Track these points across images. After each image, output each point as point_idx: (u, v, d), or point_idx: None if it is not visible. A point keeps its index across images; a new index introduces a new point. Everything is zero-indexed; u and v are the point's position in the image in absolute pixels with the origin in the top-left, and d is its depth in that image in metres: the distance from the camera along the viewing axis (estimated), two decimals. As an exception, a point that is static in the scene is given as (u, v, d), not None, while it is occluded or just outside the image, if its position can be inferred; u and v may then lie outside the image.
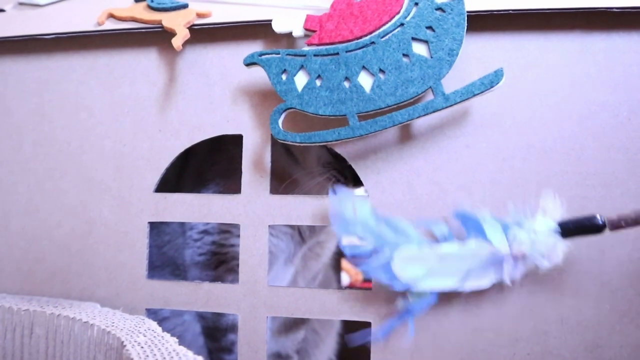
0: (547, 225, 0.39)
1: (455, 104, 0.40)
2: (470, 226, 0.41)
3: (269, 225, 0.46)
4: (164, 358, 0.32)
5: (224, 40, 0.47)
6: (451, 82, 0.41)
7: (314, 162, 0.57)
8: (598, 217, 0.39)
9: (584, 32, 0.43)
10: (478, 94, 0.40)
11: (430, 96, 0.41)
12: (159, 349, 0.34)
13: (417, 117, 0.40)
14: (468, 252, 0.41)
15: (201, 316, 0.61)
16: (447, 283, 0.41)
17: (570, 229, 0.39)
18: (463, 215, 0.42)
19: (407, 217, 0.43)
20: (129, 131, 0.49)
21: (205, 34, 0.47)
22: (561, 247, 0.39)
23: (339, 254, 0.71)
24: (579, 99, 0.43)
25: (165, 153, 0.48)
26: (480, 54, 0.43)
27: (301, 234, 0.61)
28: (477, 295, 0.42)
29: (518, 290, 0.42)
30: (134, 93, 0.49)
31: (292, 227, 0.60)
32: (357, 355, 0.51)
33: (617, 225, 0.38)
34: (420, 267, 0.41)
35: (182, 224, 0.62)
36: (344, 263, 0.81)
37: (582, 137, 0.42)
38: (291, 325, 0.64)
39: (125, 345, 0.35)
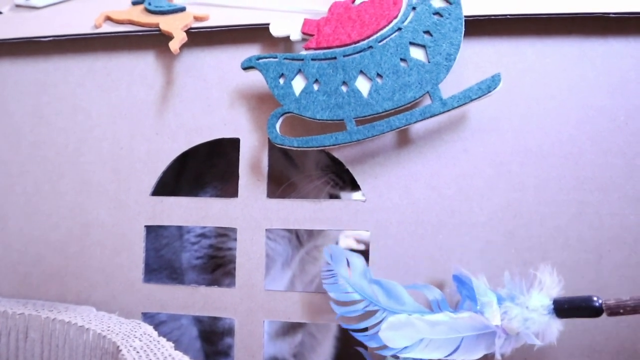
0: (542, 302, 0.38)
1: (452, 108, 0.40)
2: (465, 293, 0.40)
3: (266, 229, 0.45)
4: (160, 363, 0.32)
5: (221, 43, 0.47)
6: (449, 87, 0.41)
7: (312, 165, 0.57)
8: (595, 299, 0.37)
9: (582, 37, 0.43)
10: (475, 98, 0.40)
11: (427, 101, 0.41)
12: (155, 353, 0.34)
13: (414, 122, 0.40)
14: (460, 324, 0.39)
15: (198, 320, 0.61)
16: (435, 354, 0.39)
17: (565, 308, 0.38)
18: (459, 280, 0.41)
19: (404, 221, 0.43)
20: (127, 134, 0.49)
21: (203, 37, 0.47)
22: (555, 326, 0.38)
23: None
24: (576, 104, 0.43)
25: (162, 156, 0.48)
26: (477, 58, 0.43)
27: (299, 238, 0.61)
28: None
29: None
30: (132, 96, 0.49)
31: (289, 230, 0.60)
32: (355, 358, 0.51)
33: (615, 311, 0.36)
34: (409, 336, 0.40)
35: (179, 227, 0.61)
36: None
37: (579, 142, 0.42)
38: (288, 328, 0.64)
39: (120, 350, 0.35)
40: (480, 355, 0.39)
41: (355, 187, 0.55)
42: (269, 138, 0.45)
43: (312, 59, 0.42)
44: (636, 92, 0.42)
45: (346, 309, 0.42)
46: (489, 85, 0.40)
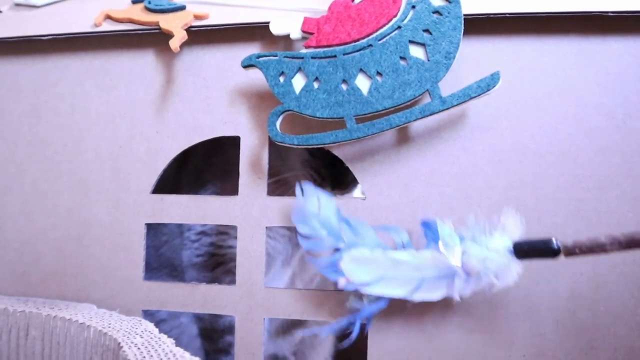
0: (502, 244, 0.38)
1: (452, 106, 0.40)
2: (430, 236, 0.41)
3: (266, 227, 0.46)
4: (161, 359, 0.32)
5: (221, 42, 0.47)
6: (448, 85, 0.41)
7: (297, 161, 0.57)
8: (554, 241, 0.37)
9: (580, 35, 0.43)
10: (475, 97, 0.40)
11: (427, 99, 0.41)
12: (156, 350, 0.34)
13: (414, 120, 0.40)
14: (421, 262, 0.40)
15: (198, 318, 0.61)
16: (396, 291, 0.40)
17: (524, 250, 0.38)
18: (426, 225, 0.41)
19: (403, 219, 0.43)
20: (126, 133, 0.49)
21: (203, 35, 0.47)
22: (514, 268, 0.38)
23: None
24: (574, 102, 0.43)
25: (162, 155, 0.48)
26: (476, 57, 0.43)
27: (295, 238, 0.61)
28: (473, 296, 0.42)
29: (514, 291, 0.42)
30: (131, 95, 0.49)
31: (289, 229, 0.60)
32: (353, 356, 0.51)
33: (571, 251, 0.37)
34: (370, 271, 0.40)
35: (179, 225, 0.62)
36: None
37: (577, 140, 0.43)
38: (288, 326, 0.64)
39: (122, 347, 0.35)
40: (440, 295, 0.40)
41: (335, 183, 0.55)
42: (269, 136, 0.45)
43: (312, 57, 0.42)
44: (634, 90, 0.43)
45: (313, 243, 0.42)
46: (488, 84, 0.40)
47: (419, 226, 0.43)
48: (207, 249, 0.59)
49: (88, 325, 0.41)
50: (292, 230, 0.60)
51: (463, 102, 0.40)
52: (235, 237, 0.47)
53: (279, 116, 0.42)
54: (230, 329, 0.59)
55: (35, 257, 0.51)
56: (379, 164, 0.44)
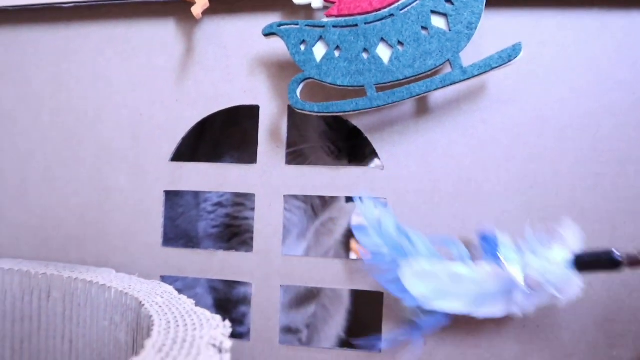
0: (562, 256, 0.38)
1: (472, 77, 0.40)
2: (488, 249, 0.40)
3: (284, 196, 0.46)
4: (182, 316, 0.33)
5: (242, 11, 0.47)
6: (469, 57, 0.41)
7: (314, 133, 0.57)
8: (615, 252, 0.37)
9: (603, 9, 0.43)
10: (496, 67, 0.40)
11: (448, 69, 0.41)
12: (177, 308, 0.35)
13: (434, 90, 0.41)
14: (481, 276, 0.39)
15: (213, 289, 0.62)
16: (456, 305, 0.40)
17: (585, 262, 0.37)
18: (484, 236, 0.41)
19: (421, 189, 0.44)
20: (146, 101, 0.49)
21: (224, 4, 0.47)
22: (576, 281, 0.37)
23: (350, 232, 0.71)
24: (596, 76, 0.43)
25: (181, 123, 0.48)
26: (498, 28, 0.43)
27: (314, 209, 0.61)
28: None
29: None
30: (152, 63, 0.50)
31: (305, 202, 0.60)
32: (366, 331, 0.52)
33: (635, 262, 0.36)
34: (430, 285, 0.40)
35: (195, 197, 0.62)
36: (353, 243, 0.81)
37: (598, 114, 0.42)
38: (302, 300, 0.64)
39: (143, 305, 0.36)
40: (501, 310, 0.39)
41: (351, 156, 0.55)
42: (288, 105, 0.45)
43: (334, 26, 0.42)
44: (657, 66, 0.42)
45: (374, 258, 0.42)
46: (509, 54, 0.40)
47: (437, 198, 0.43)
48: (223, 220, 0.60)
49: (109, 287, 0.42)
50: (308, 203, 0.61)
51: (484, 72, 0.40)
52: (252, 209, 0.47)
53: (299, 84, 0.42)
54: (244, 300, 0.60)
55: (57, 223, 0.51)
56: (398, 134, 0.44)
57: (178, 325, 0.31)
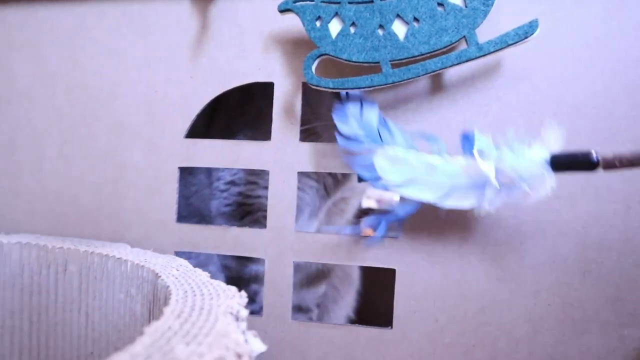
0: (539, 154, 0.37)
1: (488, 53, 0.40)
2: (467, 147, 0.40)
3: (298, 172, 0.46)
4: (199, 287, 0.33)
5: (257, -12, 0.47)
6: (484, 34, 0.41)
7: (326, 111, 0.57)
8: (593, 153, 0.36)
9: (621, -14, 0.42)
10: (512, 44, 0.40)
11: (463, 45, 0.41)
12: (193, 280, 0.35)
13: (449, 66, 0.40)
14: (454, 168, 0.39)
15: (225, 267, 0.62)
16: (427, 195, 0.39)
17: (561, 161, 0.37)
18: (464, 135, 0.41)
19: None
20: (161, 77, 0.50)
21: (239, -19, 0.47)
22: (549, 180, 0.37)
23: (361, 212, 0.72)
24: (612, 55, 0.42)
25: (196, 99, 0.49)
26: (514, 5, 0.43)
27: (326, 189, 0.62)
28: (500, 245, 0.43)
29: (541, 241, 0.42)
30: (166, 40, 0.50)
31: (317, 181, 0.61)
32: (377, 312, 0.52)
33: (611, 164, 0.36)
34: (402, 172, 0.40)
35: (209, 175, 0.63)
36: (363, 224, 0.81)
37: (614, 93, 0.42)
38: (313, 279, 0.65)
39: (160, 276, 0.36)
40: (470, 203, 0.39)
41: None
42: (302, 82, 0.45)
43: (349, 2, 0.42)
44: (674, 44, 0.42)
45: (350, 142, 0.42)
46: (526, 31, 0.40)
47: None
48: (236, 198, 0.60)
49: (125, 260, 0.42)
50: (321, 182, 0.61)
51: (500, 49, 0.40)
52: (264, 187, 0.48)
53: (314, 60, 0.42)
54: (255, 278, 0.60)
55: (72, 199, 0.52)
56: (412, 112, 0.44)
57: (195, 295, 0.31)
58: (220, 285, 0.34)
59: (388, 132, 0.41)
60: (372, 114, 0.42)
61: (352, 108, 0.42)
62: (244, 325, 0.28)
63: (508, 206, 0.39)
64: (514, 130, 0.40)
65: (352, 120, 0.42)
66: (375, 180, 0.41)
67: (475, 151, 0.39)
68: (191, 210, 0.63)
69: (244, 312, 0.29)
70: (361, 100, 0.43)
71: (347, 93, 0.43)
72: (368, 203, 0.79)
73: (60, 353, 0.46)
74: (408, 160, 0.40)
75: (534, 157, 0.37)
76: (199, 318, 0.27)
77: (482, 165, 0.38)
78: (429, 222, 0.44)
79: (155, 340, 0.23)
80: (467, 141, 0.40)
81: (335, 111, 0.43)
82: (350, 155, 0.42)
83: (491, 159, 0.38)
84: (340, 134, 0.42)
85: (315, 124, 0.56)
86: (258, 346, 0.27)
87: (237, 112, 0.61)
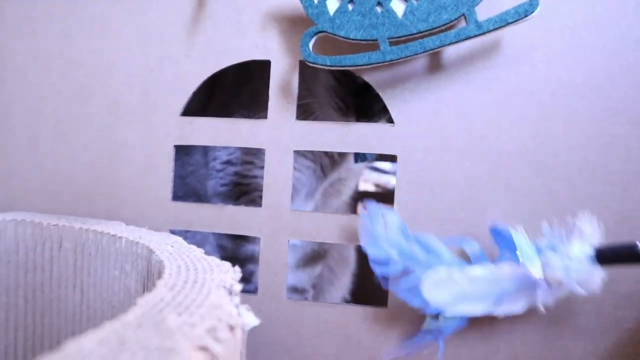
0: (583, 251, 0.37)
1: (488, 31, 0.40)
2: (503, 244, 0.40)
3: (294, 151, 0.46)
4: (193, 262, 0.33)
5: (254, -36, 0.47)
6: (484, 11, 0.41)
7: (322, 89, 0.57)
8: (638, 245, 0.36)
9: (623, -35, 0.42)
10: (512, 22, 0.39)
11: (462, 23, 0.40)
12: (187, 255, 0.35)
13: (448, 44, 0.40)
14: (500, 276, 0.39)
15: (221, 247, 0.62)
16: (478, 308, 0.39)
17: (607, 256, 0.37)
18: (497, 232, 0.40)
19: (431, 146, 0.43)
20: (156, 55, 0.49)
21: (236, -43, 0.47)
22: (598, 275, 0.37)
23: (358, 195, 0.72)
24: (613, 35, 0.42)
25: (192, 78, 0.48)
26: (515, -16, 0.42)
27: (323, 169, 0.61)
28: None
29: (538, 222, 0.42)
30: (162, 17, 0.49)
31: (314, 161, 0.60)
32: (373, 293, 0.52)
33: None
34: (450, 292, 0.39)
35: (205, 155, 0.62)
36: (359, 207, 0.82)
37: (613, 73, 0.42)
38: (308, 260, 0.65)
39: (154, 252, 0.36)
40: (522, 307, 0.39)
41: (361, 111, 0.55)
42: (299, 61, 0.45)
43: (347, -21, 0.41)
44: (676, 25, 0.41)
45: (385, 268, 0.41)
46: (526, 9, 0.39)
47: (447, 156, 0.43)
48: (232, 178, 0.60)
49: (120, 237, 0.42)
50: (317, 162, 0.61)
51: (499, 27, 0.39)
52: (260, 167, 0.47)
53: (312, 37, 0.42)
54: (251, 258, 0.60)
55: (67, 177, 0.52)
56: (410, 91, 0.44)
57: (189, 269, 0.31)
58: (215, 260, 0.34)
59: (422, 248, 0.40)
60: (396, 227, 0.41)
61: (377, 227, 0.41)
62: (237, 299, 0.28)
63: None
64: (548, 223, 0.40)
65: (381, 241, 0.40)
66: (424, 302, 0.40)
67: (519, 255, 0.38)
68: (187, 190, 0.63)
69: (238, 287, 0.29)
70: (382, 214, 0.41)
71: (366, 209, 0.41)
72: (365, 186, 0.79)
73: (55, 330, 0.46)
74: (452, 278, 0.39)
75: (578, 254, 0.37)
76: (192, 290, 0.27)
77: (530, 270, 0.37)
78: (425, 202, 0.44)
79: (147, 310, 0.23)
80: (500, 236, 0.40)
81: (361, 236, 0.42)
82: (390, 281, 0.41)
83: (535, 260, 0.38)
84: (372, 260, 0.41)
85: (309, 100, 0.55)
86: (251, 320, 0.27)
87: (233, 93, 0.61)
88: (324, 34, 0.42)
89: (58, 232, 0.46)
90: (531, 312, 0.42)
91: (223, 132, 0.47)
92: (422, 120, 0.44)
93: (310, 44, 0.42)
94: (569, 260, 0.37)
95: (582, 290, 0.37)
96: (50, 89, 0.52)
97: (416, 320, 0.44)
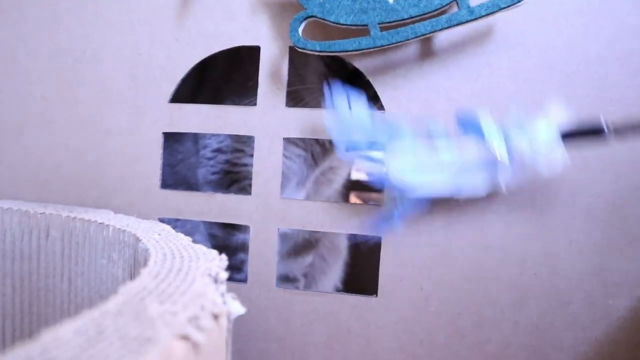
0: (548, 130, 0.37)
1: (480, 17, 0.39)
2: (469, 127, 0.39)
3: (284, 139, 0.45)
4: (179, 250, 0.33)
5: (244, -53, 0.46)
6: (476, -3, 0.40)
7: (313, 75, 0.56)
8: (603, 121, 0.36)
9: (618, -50, 0.41)
10: (504, 7, 0.39)
11: (454, 9, 0.40)
12: (174, 243, 0.35)
13: (439, 30, 0.39)
14: (463, 149, 0.38)
15: (212, 235, 0.62)
16: (439, 179, 0.38)
17: (572, 133, 0.37)
18: (463, 116, 0.40)
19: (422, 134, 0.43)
20: (146, 40, 0.48)
21: (225, -60, 0.46)
22: (562, 154, 0.37)
23: (350, 184, 0.71)
24: (607, 22, 0.41)
25: (181, 63, 0.47)
26: (508, -32, 0.42)
27: (314, 157, 0.61)
28: (487, 213, 0.42)
29: (529, 211, 0.42)
30: (151, 1, 0.48)
31: (305, 149, 0.60)
32: (364, 281, 0.52)
33: (622, 131, 0.36)
34: (412, 162, 0.38)
35: (195, 143, 0.62)
36: (353, 196, 0.81)
37: (607, 62, 0.41)
38: (300, 249, 0.65)
39: (141, 240, 0.36)
40: (483, 187, 0.38)
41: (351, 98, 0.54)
42: (289, 47, 0.44)
43: (338, -38, 0.40)
44: (671, 12, 0.41)
45: (350, 147, 0.41)
46: (519, -6, 0.38)
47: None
48: (223, 166, 0.60)
49: (107, 225, 0.42)
50: (308, 150, 0.60)
51: (492, 12, 0.39)
52: (251, 155, 0.47)
53: (301, 22, 0.41)
54: (242, 247, 0.60)
55: (55, 165, 0.51)
56: (401, 77, 0.43)
57: (174, 258, 0.31)
58: (201, 248, 0.33)
59: (386, 127, 0.40)
60: (361, 110, 0.40)
61: (342, 112, 0.40)
62: (223, 287, 0.28)
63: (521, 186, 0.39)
64: (515, 107, 0.39)
65: (348, 125, 0.40)
66: (388, 181, 0.39)
67: (484, 131, 0.38)
68: (177, 178, 0.62)
69: (223, 275, 0.29)
70: (347, 97, 0.41)
71: (331, 95, 0.41)
72: (357, 175, 0.78)
73: (43, 319, 0.46)
74: (415, 148, 0.39)
75: (543, 133, 0.37)
76: (176, 279, 0.26)
77: (493, 144, 0.37)
78: (416, 190, 0.43)
79: (128, 298, 0.22)
80: (466, 120, 0.39)
81: (328, 123, 0.42)
82: (356, 159, 0.41)
83: (499, 136, 0.37)
84: (340, 148, 0.41)
85: (299, 86, 0.55)
86: (237, 308, 0.27)
87: (224, 79, 0.60)
88: (313, 18, 0.41)
89: (45, 220, 0.46)
90: (522, 300, 0.42)
91: (212, 119, 0.47)
92: (413, 107, 0.43)
93: (300, 29, 0.41)
94: (534, 138, 0.37)
95: (546, 170, 0.37)
96: (38, 75, 0.51)
97: (407, 308, 0.44)
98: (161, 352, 0.18)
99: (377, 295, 0.44)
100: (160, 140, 0.48)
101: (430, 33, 0.39)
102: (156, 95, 0.48)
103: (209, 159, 0.60)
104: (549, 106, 0.38)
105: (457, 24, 0.39)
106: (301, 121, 0.45)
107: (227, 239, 0.60)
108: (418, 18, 0.40)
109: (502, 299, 0.43)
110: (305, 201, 0.46)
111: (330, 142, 0.60)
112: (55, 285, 0.45)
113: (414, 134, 0.40)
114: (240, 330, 0.44)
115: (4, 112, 0.52)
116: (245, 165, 0.58)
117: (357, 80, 0.46)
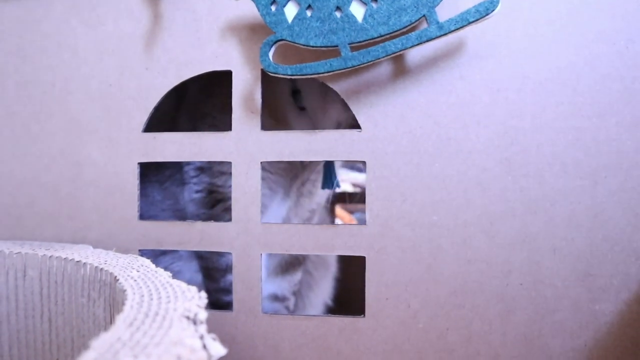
0: None
1: (449, 32, 0.39)
2: None
3: (264, 163, 0.45)
4: (157, 289, 0.32)
5: (209, -28, 0.45)
6: (445, 11, 0.40)
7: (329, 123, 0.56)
8: None
9: (582, -43, 0.41)
10: (473, 21, 0.39)
11: (424, 25, 0.40)
12: (152, 281, 0.34)
13: (410, 47, 0.39)
14: None
15: (200, 257, 0.61)
16: None
17: None
18: None
19: (400, 150, 0.43)
20: (115, 70, 0.48)
21: (190, -35, 0.45)
22: None
23: (335, 198, 0.71)
24: (576, 28, 0.42)
25: (153, 92, 0.47)
26: (475, -19, 0.42)
27: (294, 168, 0.60)
28: (469, 226, 0.42)
29: (511, 221, 0.42)
30: (119, 30, 0.48)
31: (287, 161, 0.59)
32: (352, 298, 0.52)
33: None
34: None
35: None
36: (338, 209, 0.81)
37: (578, 67, 0.42)
38: (287, 266, 0.64)
39: (118, 279, 0.35)
40: None
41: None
42: (262, 70, 0.44)
43: (304, -16, 0.40)
44: (637, 15, 0.41)
45: None
46: (487, 7, 0.38)
47: (417, 158, 0.42)
48: (206, 185, 0.59)
49: (84, 263, 0.41)
50: (290, 162, 0.60)
51: (461, 27, 0.39)
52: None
53: (271, 46, 0.41)
54: (232, 269, 0.59)
55: (29, 200, 0.50)
56: (375, 95, 0.43)
57: (152, 299, 0.30)
58: (181, 286, 0.33)
59: None
60: None
61: None
62: (202, 328, 0.27)
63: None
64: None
65: None
66: None
67: None
68: (166, 194, 0.61)
69: (203, 315, 0.28)
70: None
71: None
72: (344, 186, 0.78)
73: (25, 361, 0.45)
74: None
75: None
76: (152, 325, 0.25)
77: None
78: (397, 207, 0.43)
79: (100, 354, 0.22)
80: None
81: None
82: None
83: None
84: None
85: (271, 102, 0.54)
86: (217, 350, 0.26)
87: (205, 94, 0.59)
88: (283, 42, 0.41)
89: (22, 259, 0.45)
90: (509, 311, 0.42)
91: (187, 147, 0.46)
92: (390, 124, 0.43)
93: (270, 54, 0.41)
94: None
95: None
96: (5, 110, 0.50)
97: (395, 327, 0.44)
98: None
99: (364, 316, 0.44)
100: (135, 170, 0.47)
101: (401, 51, 0.39)
102: (129, 125, 0.47)
103: (193, 177, 0.59)
104: None
105: (427, 40, 0.39)
106: (278, 144, 0.44)
107: (215, 261, 0.59)
108: (388, 36, 0.39)
109: (490, 311, 0.43)
110: (286, 225, 0.45)
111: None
112: (36, 325, 0.44)
113: None
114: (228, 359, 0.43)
115: (-26, 149, 0.51)
116: (230, 186, 0.57)
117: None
